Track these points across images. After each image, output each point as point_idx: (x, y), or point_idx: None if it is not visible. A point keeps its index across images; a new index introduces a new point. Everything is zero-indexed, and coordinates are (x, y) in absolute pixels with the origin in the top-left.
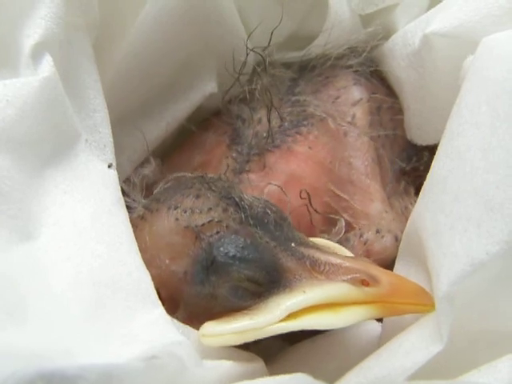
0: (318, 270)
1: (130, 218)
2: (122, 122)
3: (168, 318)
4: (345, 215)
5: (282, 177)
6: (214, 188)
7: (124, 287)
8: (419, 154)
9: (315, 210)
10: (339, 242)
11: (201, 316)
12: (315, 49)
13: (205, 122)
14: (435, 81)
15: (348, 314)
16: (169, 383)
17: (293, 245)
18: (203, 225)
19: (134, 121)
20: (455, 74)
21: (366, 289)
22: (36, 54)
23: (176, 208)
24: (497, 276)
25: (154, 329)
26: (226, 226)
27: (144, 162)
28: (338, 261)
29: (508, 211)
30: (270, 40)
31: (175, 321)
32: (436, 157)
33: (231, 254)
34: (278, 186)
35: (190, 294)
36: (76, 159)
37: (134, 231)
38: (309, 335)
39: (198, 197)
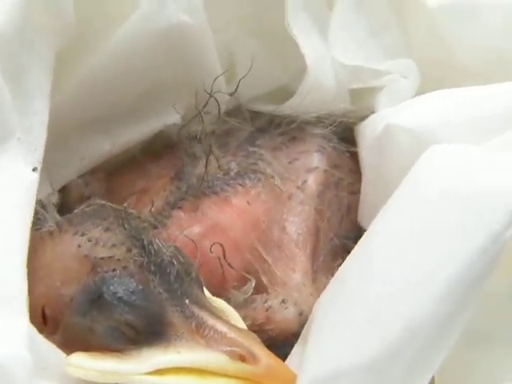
0: (201, 333)
1: (41, 231)
2: (78, 130)
3: (27, 332)
4: (263, 278)
5: (209, 222)
6: (126, 225)
7: None
8: None
9: (229, 265)
10: (245, 301)
11: (76, 345)
12: (286, 108)
13: (158, 150)
14: (390, 172)
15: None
16: None
17: (187, 301)
18: (102, 258)
19: (89, 131)
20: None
21: (242, 365)
22: None
23: (83, 235)
24: None
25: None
26: (124, 267)
27: (89, 173)
28: (224, 329)
29: (384, 329)
30: (237, 87)
31: (41, 337)
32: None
33: (118, 296)
34: (189, 239)
35: (71, 321)
36: (1, 154)
37: (39, 244)
38: None
39: (107, 230)
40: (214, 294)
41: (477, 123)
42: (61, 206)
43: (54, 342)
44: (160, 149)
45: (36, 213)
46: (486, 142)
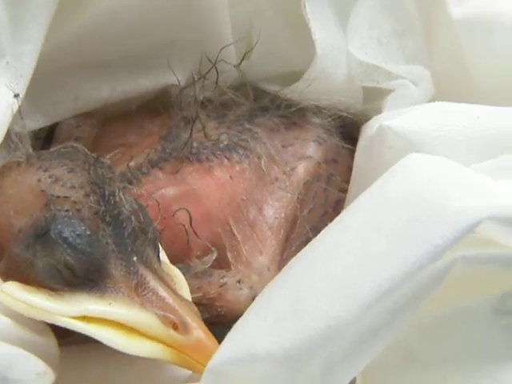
0: (139, 292)
1: (10, 159)
2: (79, 70)
3: None
4: (229, 254)
5: (186, 188)
6: (91, 171)
7: None
8: None
9: (195, 233)
10: (203, 273)
11: (15, 276)
12: (289, 92)
13: (156, 109)
14: (376, 174)
15: (141, 344)
16: None
17: (134, 259)
18: (58, 197)
19: (90, 73)
20: None
21: (172, 332)
22: None
23: (45, 171)
24: (273, 378)
25: None
26: (77, 210)
27: (83, 115)
28: (164, 294)
29: (305, 323)
30: (242, 60)
31: None
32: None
33: (63, 236)
34: (155, 199)
35: (14, 252)
36: None
37: (5, 172)
38: None
39: (70, 171)
40: (175, 259)
41: (472, 141)
42: (49, 143)
43: None
44: (159, 108)
45: (12, 143)
46: (477, 161)
